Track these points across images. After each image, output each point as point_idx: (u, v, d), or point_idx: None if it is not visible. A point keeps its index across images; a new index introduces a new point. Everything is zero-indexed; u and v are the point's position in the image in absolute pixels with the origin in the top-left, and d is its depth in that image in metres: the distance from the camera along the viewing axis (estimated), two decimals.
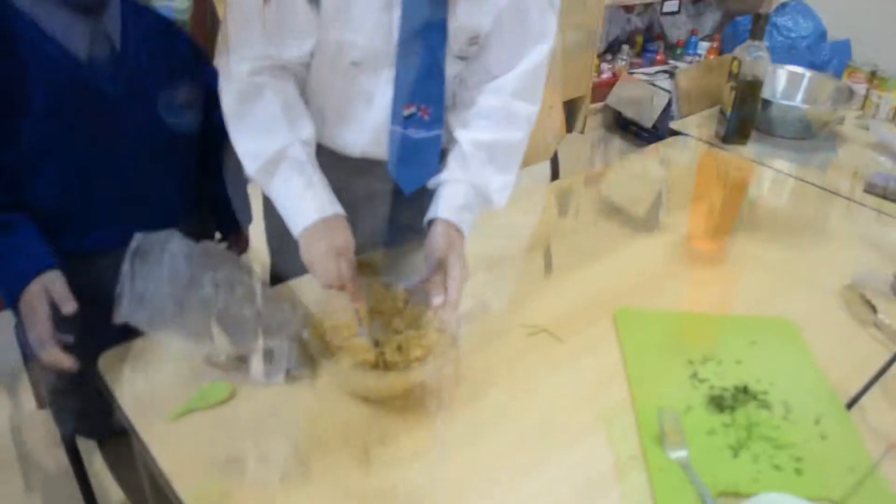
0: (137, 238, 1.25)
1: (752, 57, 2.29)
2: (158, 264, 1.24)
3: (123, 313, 1.22)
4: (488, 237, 1.77)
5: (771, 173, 2.29)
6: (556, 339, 1.51)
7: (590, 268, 1.75)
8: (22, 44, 1.29)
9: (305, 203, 1.40)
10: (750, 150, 2.43)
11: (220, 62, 1.43)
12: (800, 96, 2.70)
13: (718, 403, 1.35)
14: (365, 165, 1.58)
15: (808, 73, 2.73)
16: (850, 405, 1.39)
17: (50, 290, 1.40)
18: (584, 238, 1.88)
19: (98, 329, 1.36)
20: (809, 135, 2.53)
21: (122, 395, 1.31)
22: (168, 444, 1.21)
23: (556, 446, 1.26)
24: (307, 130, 1.46)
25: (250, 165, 1.42)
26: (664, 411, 1.29)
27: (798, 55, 4.15)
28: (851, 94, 2.52)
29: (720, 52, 5.38)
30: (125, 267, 1.22)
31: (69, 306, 1.42)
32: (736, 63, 2.33)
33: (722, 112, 2.46)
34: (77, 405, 1.68)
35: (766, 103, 2.45)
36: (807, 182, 2.23)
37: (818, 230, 1.97)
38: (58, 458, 2.28)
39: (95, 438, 1.89)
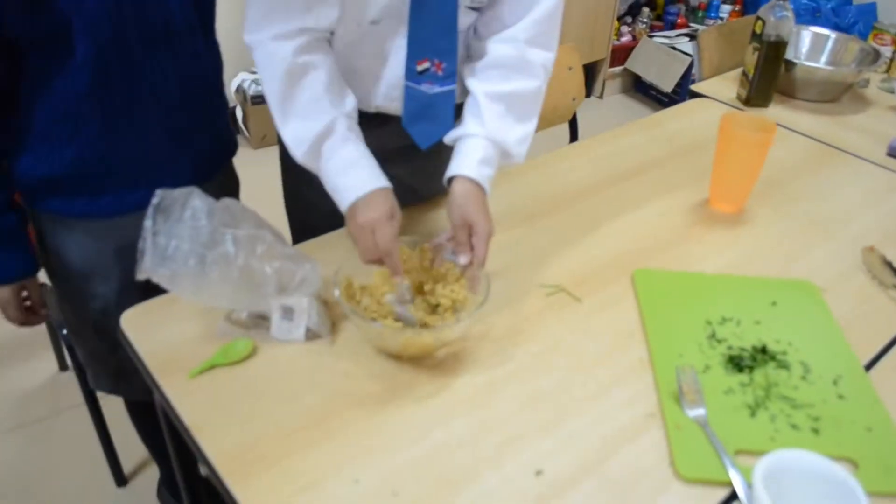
0: (159, 194, 1.28)
1: (777, 17, 2.28)
2: (180, 220, 1.27)
3: (145, 269, 1.24)
4: (505, 196, 1.79)
5: (793, 136, 2.28)
6: (574, 299, 1.53)
7: (608, 228, 1.76)
8: None
9: (348, 180, 1.41)
10: (772, 112, 2.44)
11: (253, 38, 1.42)
12: (824, 58, 2.68)
13: (736, 363, 1.36)
14: (380, 120, 1.59)
15: (832, 35, 2.71)
16: (868, 366, 1.41)
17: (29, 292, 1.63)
18: (603, 198, 1.89)
19: (140, 289, 1.42)
20: (833, 97, 2.53)
21: (144, 352, 1.34)
22: (190, 400, 1.25)
23: (574, 404, 1.28)
24: (350, 103, 1.47)
25: (297, 150, 1.43)
26: (682, 369, 1.31)
27: (823, 18, 4.13)
28: (877, 55, 2.51)
29: (742, 15, 5.35)
30: (147, 223, 1.24)
31: (39, 318, 1.68)
32: (760, 23, 2.33)
33: (744, 74, 2.46)
34: (114, 365, 1.76)
35: (790, 65, 2.44)
36: (829, 145, 2.23)
37: (840, 193, 1.97)
38: (80, 418, 2.32)
39: (132, 398, 1.95)
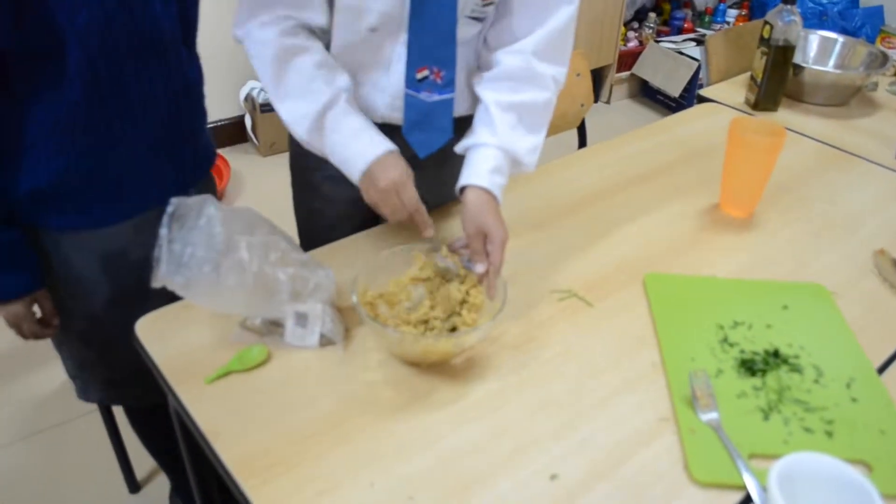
0: (174, 202, 1.28)
1: (785, 21, 2.29)
2: (195, 228, 1.27)
3: (161, 277, 1.24)
4: (516, 203, 1.80)
5: (802, 140, 2.29)
6: (586, 304, 1.53)
7: (619, 233, 1.77)
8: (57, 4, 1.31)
9: (356, 148, 1.44)
10: (781, 116, 2.44)
11: (241, 31, 1.47)
12: (832, 62, 2.69)
13: (749, 367, 1.37)
14: (386, 131, 1.58)
15: (840, 39, 2.71)
16: (881, 369, 1.41)
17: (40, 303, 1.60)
18: (613, 203, 1.89)
19: (128, 297, 1.48)
20: (841, 101, 2.53)
21: (159, 359, 1.36)
22: (206, 406, 1.27)
23: (587, 409, 1.29)
24: (343, 80, 1.49)
25: (300, 128, 1.46)
26: (695, 373, 1.32)
27: (829, 21, 4.14)
28: (885, 59, 2.51)
29: (749, 19, 5.36)
30: (163, 231, 1.24)
31: (52, 330, 1.64)
32: (767, 28, 2.33)
33: (752, 78, 2.46)
34: (103, 374, 1.80)
35: (798, 69, 2.45)
36: (838, 148, 2.23)
37: (850, 196, 1.98)
38: (94, 424, 2.32)
39: (123, 405, 1.98)
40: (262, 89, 4.16)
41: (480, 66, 1.60)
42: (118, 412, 2.19)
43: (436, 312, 1.40)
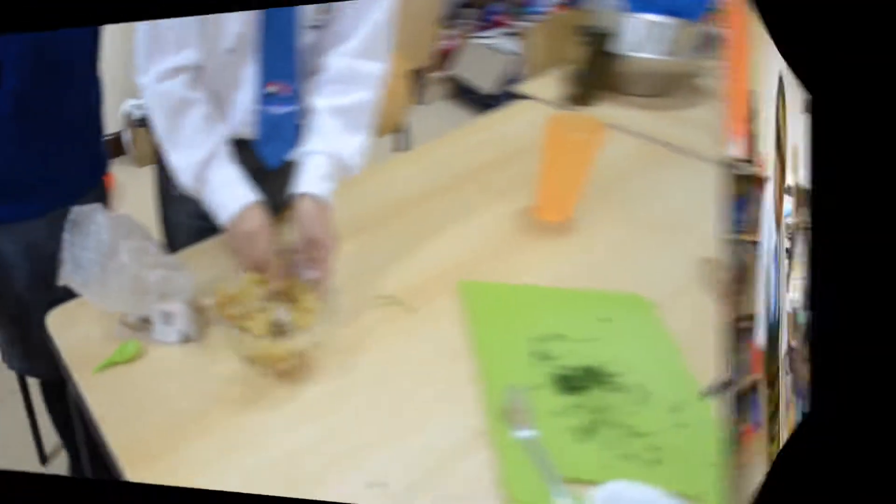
0: (74, 210, 1.58)
1: (604, 6, 2.33)
2: (89, 234, 1.57)
3: (64, 276, 1.56)
4: (341, 207, 1.81)
5: (624, 136, 2.33)
6: (407, 311, 1.63)
7: (436, 238, 1.84)
8: None
9: (231, 193, 1.66)
10: (601, 111, 2.49)
11: (142, 80, 1.66)
12: (659, 48, 2.69)
13: (567, 383, 1.40)
14: (238, 145, 1.77)
15: (668, 22, 2.74)
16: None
17: None
18: (432, 207, 1.96)
19: (45, 283, 1.78)
20: (665, 91, 2.58)
21: (62, 348, 1.62)
22: (97, 394, 1.50)
23: (404, 419, 1.38)
24: (222, 129, 1.72)
25: (188, 174, 1.68)
26: (511, 388, 1.35)
27: (656, 4, 4.26)
28: (716, 41, 2.57)
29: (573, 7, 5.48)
30: (66, 235, 1.56)
31: None
32: (586, 14, 2.37)
33: (571, 71, 2.50)
34: (23, 348, 2.21)
35: (619, 58, 2.49)
36: (664, 144, 2.29)
37: (678, 197, 2.03)
38: (13, 406, 2.80)
39: (39, 377, 2.43)
40: (136, 106, 4.92)
41: (312, 70, 1.77)
42: (36, 395, 2.66)
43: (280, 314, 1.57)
